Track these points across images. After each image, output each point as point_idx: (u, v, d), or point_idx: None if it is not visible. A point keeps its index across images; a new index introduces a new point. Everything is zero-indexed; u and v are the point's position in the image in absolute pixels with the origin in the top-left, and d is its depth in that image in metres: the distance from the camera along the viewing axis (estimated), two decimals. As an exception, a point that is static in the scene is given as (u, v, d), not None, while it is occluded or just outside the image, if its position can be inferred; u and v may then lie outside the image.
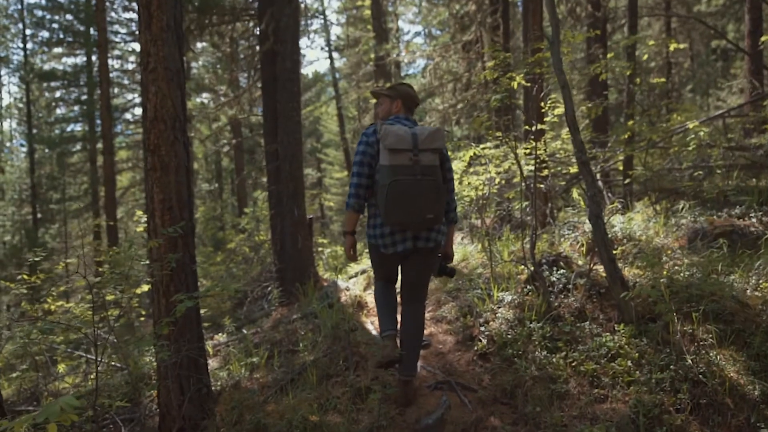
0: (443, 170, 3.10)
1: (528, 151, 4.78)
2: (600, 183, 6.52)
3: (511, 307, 4.02)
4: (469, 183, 5.00)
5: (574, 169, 5.36)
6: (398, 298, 3.46)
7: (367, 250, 9.66)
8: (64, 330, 4.18)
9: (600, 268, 3.92)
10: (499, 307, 4.10)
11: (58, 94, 17.54)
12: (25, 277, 4.70)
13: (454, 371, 3.65)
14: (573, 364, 3.29)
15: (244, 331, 5.28)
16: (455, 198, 3.32)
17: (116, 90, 17.42)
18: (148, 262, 3.55)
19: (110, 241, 12.82)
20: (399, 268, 3.30)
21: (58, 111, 17.42)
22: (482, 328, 3.91)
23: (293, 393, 3.56)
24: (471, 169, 6.05)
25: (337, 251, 11.09)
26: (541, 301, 3.78)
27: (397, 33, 16.43)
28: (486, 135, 5.20)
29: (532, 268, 4.01)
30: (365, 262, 8.67)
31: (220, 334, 5.45)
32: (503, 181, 6.34)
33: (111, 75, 16.91)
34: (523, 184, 4.33)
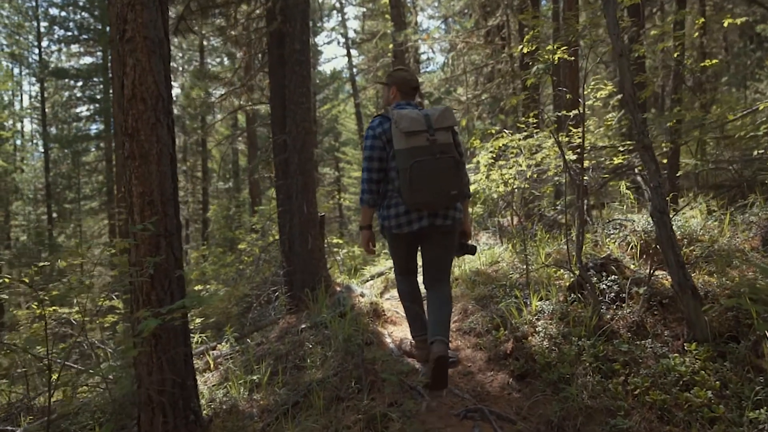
0: (456, 146, 3.08)
1: (568, 138, 4.17)
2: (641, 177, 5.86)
3: (553, 319, 3.43)
4: (500, 175, 4.41)
5: (618, 160, 4.74)
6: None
7: (385, 250, 9.09)
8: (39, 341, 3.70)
9: (661, 274, 3.31)
10: (538, 319, 3.51)
11: (72, 92, 17.32)
12: (7, 280, 4.24)
13: (487, 396, 3.08)
14: (635, 392, 2.69)
15: (249, 341, 4.77)
16: (467, 173, 3.28)
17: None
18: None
19: (122, 240, 12.52)
20: (418, 253, 3.29)
21: (74, 110, 17.17)
22: (519, 344, 3.33)
23: (297, 419, 3.02)
24: (500, 162, 5.47)
25: (354, 251, 10.56)
26: (591, 312, 3.18)
27: (416, 26, 15.87)
28: (517, 123, 4.63)
29: (578, 274, 3.42)
30: (382, 263, 8.12)
31: (222, 344, 4.95)
32: (535, 175, 5.74)
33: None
34: (566, 174, 3.72)
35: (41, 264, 3.22)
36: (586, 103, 4.35)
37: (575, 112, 3.83)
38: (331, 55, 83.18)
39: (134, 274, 2.78)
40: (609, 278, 3.49)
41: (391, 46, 11.26)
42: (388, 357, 3.70)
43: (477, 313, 4.01)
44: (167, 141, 2.87)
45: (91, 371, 3.01)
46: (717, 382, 2.57)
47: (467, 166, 3.74)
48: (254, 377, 3.65)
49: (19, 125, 25.19)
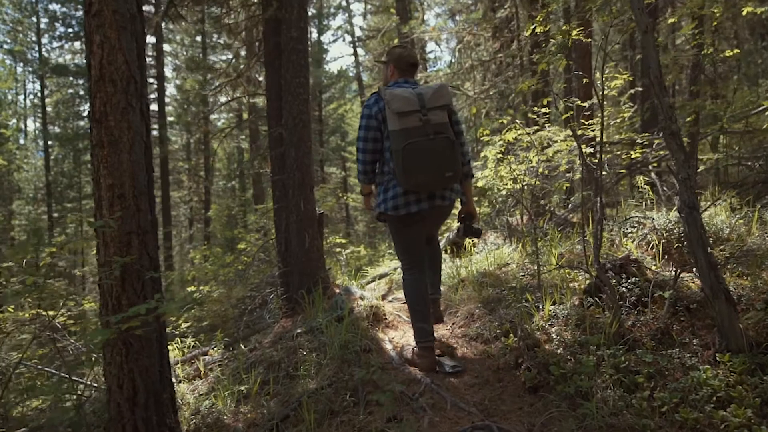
0: (452, 125, 3.00)
1: (581, 131, 3.86)
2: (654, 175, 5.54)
3: (568, 325, 3.12)
4: (509, 171, 4.10)
5: (635, 154, 4.42)
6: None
7: (390, 250, 8.78)
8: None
9: (687, 276, 3.00)
10: (551, 325, 3.21)
11: (75, 90, 17.13)
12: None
13: (496, 411, 2.78)
14: (662, 409, 2.38)
15: (242, 347, 4.50)
16: (469, 151, 3.22)
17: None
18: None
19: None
20: (423, 241, 3.24)
21: (75, 108, 16.97)
22: (531, 353, 3.03)
23: (285, 437, 2.74)
24: (509, 157, 5.17)
25: (360, 251, 10.26)
26: (611, 318, 2.87)
27: (422, 24, 15.56)
28: (528, 113, 4.33)
29: (595, 275, 3.11)
30: (387, 264, 7.83)
31: (214, 349, 4.68)
32: (546, 171, 5.43)
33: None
34: (582, 168, 3.41)
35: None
36: (600, 94, 4.04)
37: (590, 102, 3.51)
38: (338, 54, 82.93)
39: (103, 276, 2.51)
40: (629, 280, 3.19)
41: (396, 40, 10.98)
42: (387, 365, 3.41)
43: (484, 317, 3.72)
44: (140, 128, 2.60)
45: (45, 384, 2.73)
46: (757, 399, 2.26)
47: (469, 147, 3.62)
48: (242, 387, 3.37)
49: (22, 124, 25.13)
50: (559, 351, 2.92)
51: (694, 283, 3.04)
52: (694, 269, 3.04)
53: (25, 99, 26.44)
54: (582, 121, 3.84)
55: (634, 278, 3.18)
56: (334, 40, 48.95)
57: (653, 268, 3.37)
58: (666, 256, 3.50)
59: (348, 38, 28.09)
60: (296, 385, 3.40)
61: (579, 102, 4.01)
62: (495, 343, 3.40)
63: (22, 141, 23.55)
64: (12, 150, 18.47)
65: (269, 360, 3.79)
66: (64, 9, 16.39)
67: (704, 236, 2.52)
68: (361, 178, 3.14)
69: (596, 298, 3.16)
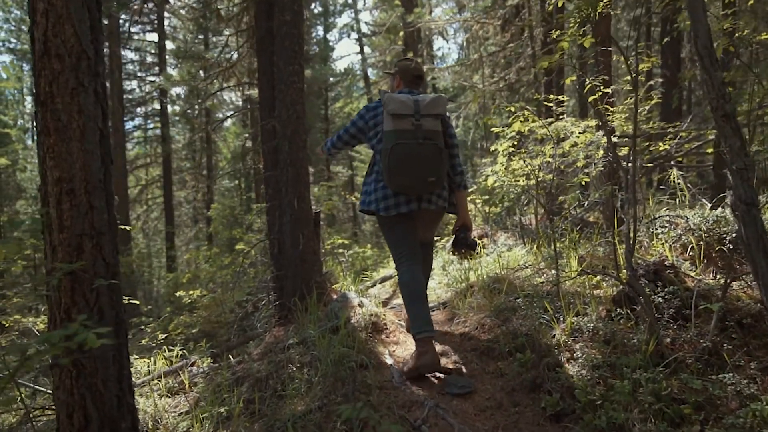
0: (446, 136, 3.16)
1: (609, 118, 3.42)
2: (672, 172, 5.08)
3: (594, 341, 2.70)
4: (523, 165, 3.69)
5: (664, 146, 3.98)
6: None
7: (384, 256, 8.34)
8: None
9: (736, 285, 2.57)
10: (575, 340, 2.79)
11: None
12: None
13: (512, 443, 2.38)
14: (717, 449, 1.97)
15: (231, 358, 4.11)
16: (461, 163, 3.31)
17: (134, 83, 16.68)
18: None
19: (121, 241, 11.97)
20: (416, 237, 3.24)
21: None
22: (552, 373, 2.62)
23: (267, 471, 2.35)
24: (521, 151, 4.75)
25: (366, 252, 9.86)
26: (647, 335, 2.45)
27: (430, 14, 15.15)
28: (545, 101, 3.91)
29: (627, 282, 2.69)
30: (391, 265, 7.43)
31: (202, 359, 4.30)
32: (562, 166, 5.00)
33: (130, 69, 16.22)
34: (611, 158, 2.99)
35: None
36: (615, 87, 3.61)
37: (619, 83, 3.08)
38: (344, 52, 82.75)
39: (49, 285, 2.13)
40: (665, 289, 2.76)
41: (401, 33, 10.58)
42: (387, 383, 3.01)
43: (496, 329, 3.30)
44: (94, 112, 2.21)
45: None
46: (838, 441, 1.84)
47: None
48: (222, 409, 2.98)
49: (29, 124, 24.93)
50: (584, 373, 2.50)
51: (745, 293, 2.62)
52: (744, 277, 2.61)
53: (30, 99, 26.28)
54: (607, 106, 3.43)
55: (671, 286, 2.76)
56: (341, 39, 48.55)
57: (693, 274, 2.93)
58: (706, 261, 3.07)
59: (354, 36, 27.70)
60: (284, 406, 3.00)
61: (603, 88, 3.57)
62: (509, 359, 2.99)
63: (30, 142, 23.36)
64: (17, 150, 18.23)
65: (255, 375, 3.40)
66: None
67: (765, 238, 2.09)
68: (326, 146, 3.46)
69: (628, 310, 2.74)
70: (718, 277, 2.87)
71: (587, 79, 2.84)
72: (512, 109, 3.94)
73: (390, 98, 3.00)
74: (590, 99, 3.09)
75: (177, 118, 16.56)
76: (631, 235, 2.58)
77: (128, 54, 17.55)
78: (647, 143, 4.45)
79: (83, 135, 2.17)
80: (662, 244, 3.40)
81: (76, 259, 2.14)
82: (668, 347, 2.43)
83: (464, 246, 3.17)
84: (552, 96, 3.93)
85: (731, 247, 3.04)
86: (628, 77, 3.79)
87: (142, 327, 7.32)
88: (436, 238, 7.38)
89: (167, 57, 15.69)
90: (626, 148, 3.81)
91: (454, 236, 3.27)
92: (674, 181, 3.79)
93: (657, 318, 2.56)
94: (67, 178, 2.15)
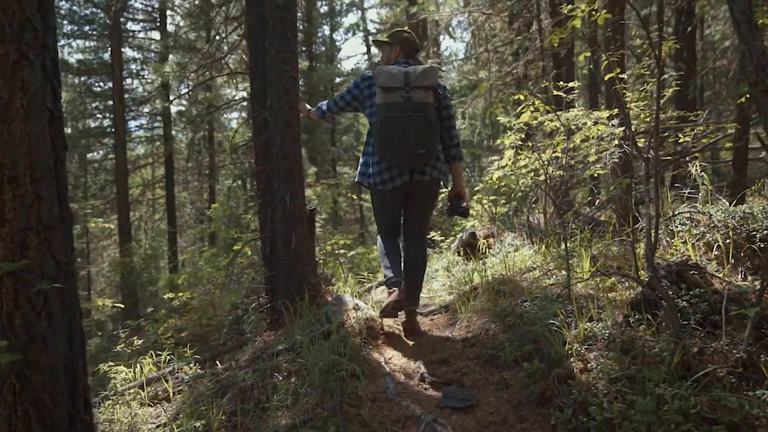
0: (441, 108, 3.19)
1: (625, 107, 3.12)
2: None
3: (610, 349, 2.41)
4: (533, 160, 3.42)
5: (685, 138, 3.68)
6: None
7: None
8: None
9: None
10: (588, 349, 2.50)
11: (81, 88, 16.72)
12: None
13: (518, 465, 2.09)
14: (758, 479, 1.68)
15: (218, 363, 3.86)
16: (457, 135, 3.34)
17: (136, 82, 16.51)
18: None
19: (121, 242, 11.79)
20: (401, 212, 3.38)
21: (80, 106, 16.52)
22: (563, 386, 2.33)
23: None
24: (529, 144, 4.47)
25: (371, 253, 9.55)
26: (672, 344, 2.15)
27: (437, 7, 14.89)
28: (554, 88, 3.62)
29: (648, 284, 2.39)
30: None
31: (188, 365, 4.04)
32: (572, 161, 4.70)
33: (132, 68, 16.07)
34: (631, 149, 2.70)
35: None
36: (625, 77, 3.32)
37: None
38: (351, 53, 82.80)
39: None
40: (690, 292, 2.46)
41: (406, 27, 10.36)
42: (381, 395, 2.74)
43: (501, 335, 3.02)
44: (42, 90, 1.95)
45: None
46: None
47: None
48: (199, 423, 2.71)
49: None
50: (600, 386, 2.21)
51: (783, 296, 2.31)
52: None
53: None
54: (624, 88, 3.15)
55: (696, 289, 2.46)
56: (347, 39, 48.41)
57: (720, 275, 2.63)
58: (734, 261, 2.76)
59: (361, 35, 27.50)
60: (267, 419, 2.74)
61: (618, 70, 3.25)
62: (515, 368, 2.71)
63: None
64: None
65: (240, 385, 3.13)
66: (73, 7, 15.95)
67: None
68: (321, 109, 3.59)
69: (648, 315, 2.44)
70: (749, 278, 2.57)
71: (603, 55, 2.56)
72: (521, 97, 3.67)
73: (380, 71, 3.05)
74: (606, 77, 2.81)
75: (178, 114, 16.38)
76: (652, 230, 2.28)
77: (129, 53, 17.42)
78: (664, 134, 4.14)
79: (28, 115, 1.91)
80: (684, 242, 3.10)
81: (19, 257, 1.89)
82: (696, 358, 2.13)
83: (457, 212, 3.33)
84: (561, 83, 3.65)
85: (762, 246, 2.74)
86: (639, 64, 3.51)
87: (142, 329, 7.09)
88: (440, 238, 7.10)
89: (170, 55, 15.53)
90: (643, 139, 3.51)
91: (449, 203, 3.39)
92: (693, 177, 3.47)
93: (682, 324, 2.26)
94: (9, 164, 1.89)
